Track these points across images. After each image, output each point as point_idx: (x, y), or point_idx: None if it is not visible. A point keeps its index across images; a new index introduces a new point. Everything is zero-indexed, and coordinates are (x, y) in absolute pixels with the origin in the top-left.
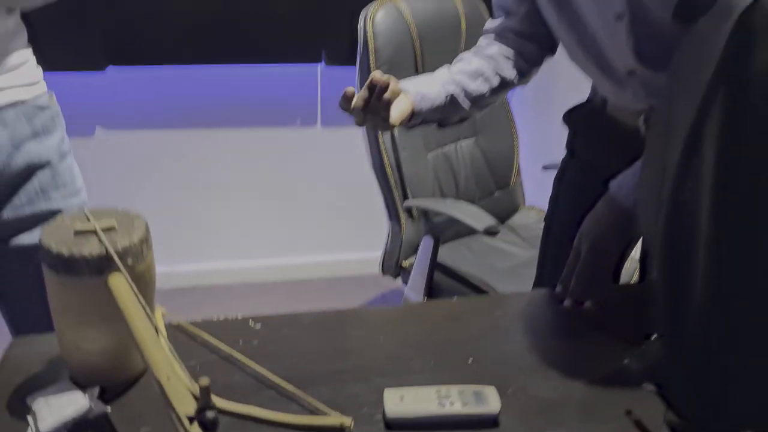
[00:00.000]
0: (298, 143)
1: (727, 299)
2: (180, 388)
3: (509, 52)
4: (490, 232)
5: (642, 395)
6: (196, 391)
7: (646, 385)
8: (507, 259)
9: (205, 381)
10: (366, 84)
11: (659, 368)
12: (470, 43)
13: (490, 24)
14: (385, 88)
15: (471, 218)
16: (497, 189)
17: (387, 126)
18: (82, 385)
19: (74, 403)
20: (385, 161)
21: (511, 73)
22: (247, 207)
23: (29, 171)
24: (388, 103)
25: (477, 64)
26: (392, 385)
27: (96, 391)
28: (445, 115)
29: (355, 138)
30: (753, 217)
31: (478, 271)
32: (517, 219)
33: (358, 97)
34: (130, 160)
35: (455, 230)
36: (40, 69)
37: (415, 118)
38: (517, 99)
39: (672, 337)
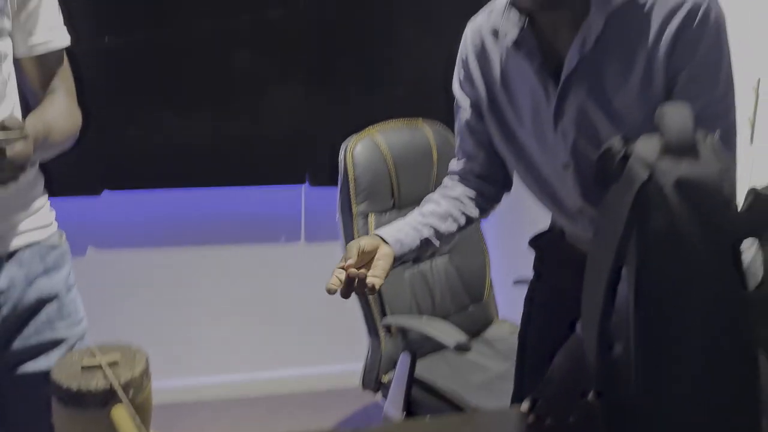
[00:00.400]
0: (282, 259)
1: (657, 407)
2: None
3: (472, 192)
4: (461, 349)
5: None
6: None
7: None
8: (482, 373)
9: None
10: (345, 279)
11: None
12: (442, 170)
13: (454, 165)
14: (363, 278)
15: (443, 335)
16: (471, 303)
17: (373, 292)
18: None
19: None
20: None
21: (474, 211)
22: (232, 322)
23: (39, 304)
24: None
25: (446, 206)
26: None
27: None
28: (419, 255)
29: (337, 253)
30: (666, 339)
31: (454, 386)
32: (491, 332)
33: (341, 288)
34: (118, 278)
35: (433, 344)
36: (53, 212)
37: (395, 263)
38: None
39: None
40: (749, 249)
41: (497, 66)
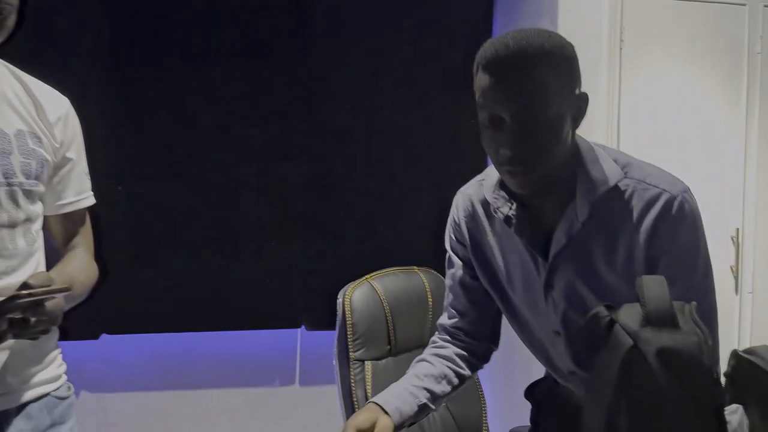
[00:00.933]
0: (276, 402)
1: None
2: None
3: (462, 352)
4: None
5: None
6: None
7: None
8: None
9: None
10: None
11: None
12: (437, 315)
13: (444, 321)
14: None
15: None
16: None
17: None
18: None
19: None
20: None
21: (466, 371)
22: None
23: None
24: None
25: (439, 366)
26: None
27: None
28: (417, 420)
29: (331, 397)
30: None
31: None
32: None
33: None
34: (111, 422)
35: None
36: (64, 364)
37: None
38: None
39: None
40: (734, 413)
41: (489, 235)
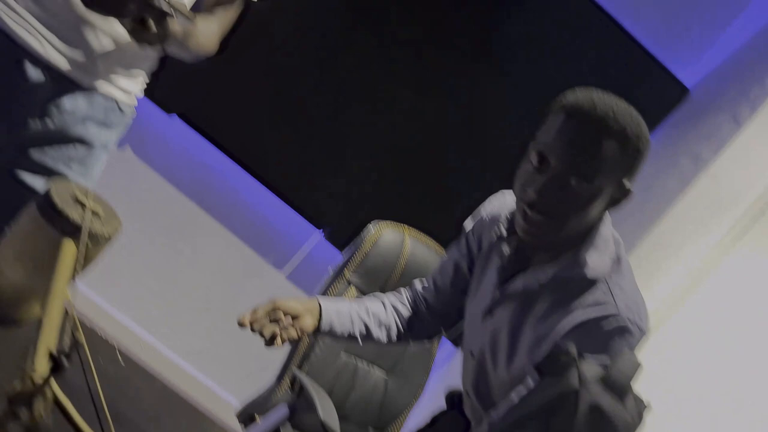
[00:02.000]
0: (257, 273)
1: None
2: (50, 337)
3: (414, 319)
4: (327, 429)
5: None
6: None
7: None
8: None
9: (82, 338)
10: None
11: None
12: None
13: (418, 285)
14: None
15: (321, 407)
16: (373, 427)
17: (271, 343)
18: None
19: None
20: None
21: (408, 335)
22: (177, 286)
23: (76, 139)
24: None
25: (390, 317)
26: None
27: None
28: (337, 339)
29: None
30: None
31: None
32: None
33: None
34: (123, 185)
35: (316, 429)
36: (141, 94)
37: (314, 335)
38: (439, 371)
39: None
40: None
41: (489, 243)
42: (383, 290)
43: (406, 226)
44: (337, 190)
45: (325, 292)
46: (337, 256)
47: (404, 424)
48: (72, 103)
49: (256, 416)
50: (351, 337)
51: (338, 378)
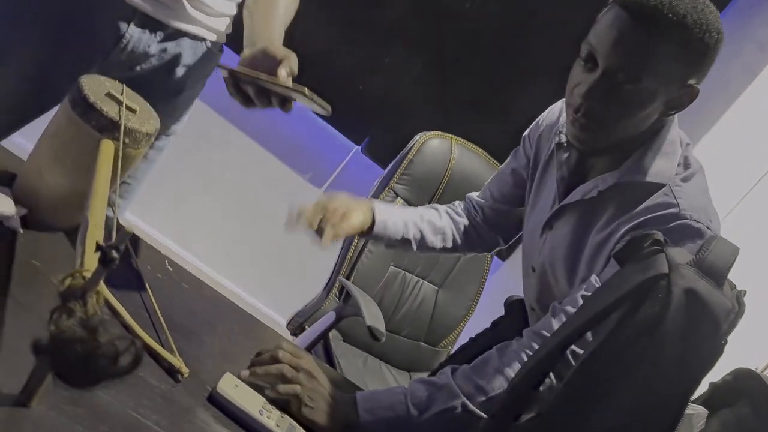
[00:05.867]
0: (294, 190)
1: None
2: (97, 234)
3: (472, 230)
4: (373, 333)
5: None
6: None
7: None
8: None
9: (130, 231)
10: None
11: None
12: None
13: (473, 195)
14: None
15: (368, 312)
16: (425, 341)
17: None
18: (16, 201)
19: (3, 204)
20: (353, 244)
21: (463, 245)
22: (216, 210)
23: (166, 83)
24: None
25: (445, 223)
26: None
27: (23, 211)
28: (391, 246)
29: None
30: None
31: (351, 375)
32: (421, 376)
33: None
34: None
35: (366, 342)
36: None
37: (367, 236)
38: (493, 280)
39: None
40: (700, 421)
41: (548, 150)
42: (431, 201)
43: (453, 136)
44: (376, 104)
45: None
46: (378, 171)
47: (457, 340)
48: (159, 47)
49: (305, 326)
50: (404, 241)
51: (386, 290)
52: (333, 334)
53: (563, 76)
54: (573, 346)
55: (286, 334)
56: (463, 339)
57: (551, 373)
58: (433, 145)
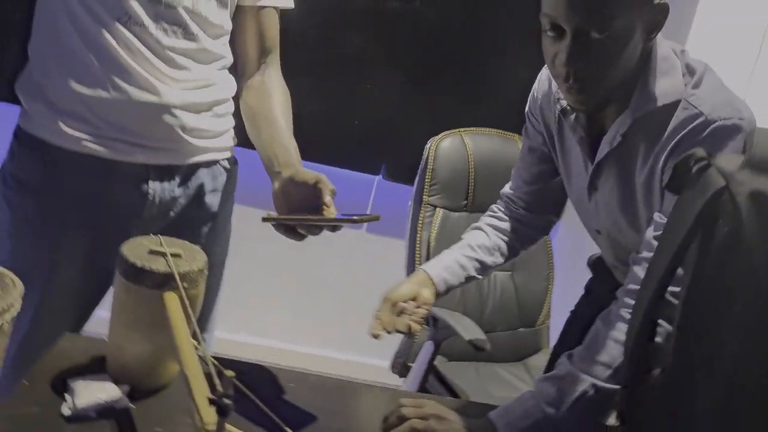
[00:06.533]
0: (340, 244)
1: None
2: (202, 385)
3: (518, 225)
4: (476, 345)
5: None
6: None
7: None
8: (508, 392)
9: (230, 373)
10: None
11: None
12: None
13: (506, 190)
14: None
15: (463, 329)
16: (522, 326)
17: (412, 335)
18: (116, 381)
19: (107, 391)
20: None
21: (520, 244)
22: (276, 291)
23: (201, 216)
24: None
25: (494, 239)
26: None
27: (127, 388)
28: (461, 287)
29: (395, 248)
30: (707, 338)
31: (472, 391)
32: (536, 359)
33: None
34: None
35: (470, 352)
36: (235, 140)
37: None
38: (561, 243)
39: None
40: None
41: (555, 119)
42: (468, 198)
43: (459, 129)
44: (376, 129)
45: (414, 227)
46: (407, 190)
47: (550, 312)
48: (182, 188)
49: (408, 363)
50: (469, 279)
51: (465, 297)
52: (438, 360)
53: (526, 35)
54: (669, 288)
55: (394, 377)
56: (556, 307)
57: (660, 321)
58: (446, 146)
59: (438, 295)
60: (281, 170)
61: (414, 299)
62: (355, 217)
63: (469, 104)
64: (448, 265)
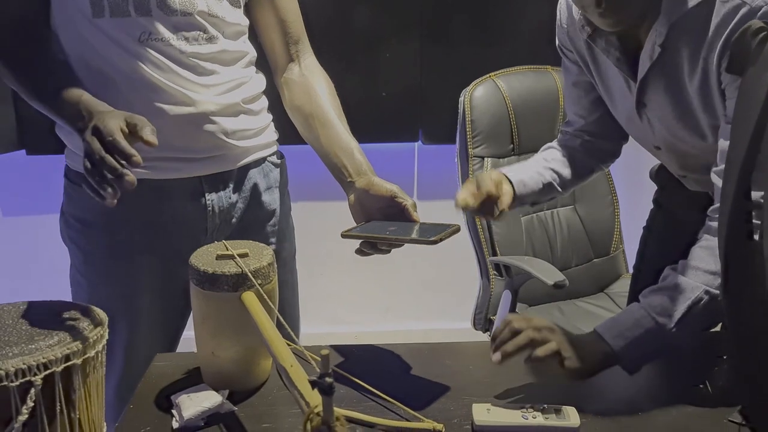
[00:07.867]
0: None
1: None
2: (300, 372)
3: (590, 148)
4: (558, 285)
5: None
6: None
7: (732, 416)
8: (596, 323)
9: (325, 351)
10: (479, 195)
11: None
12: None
13: (566, 127)
14: (496, 198)
15: (541, 273)
16: (596, 257)
17: (494, 217)
18: (215, 389)
19: (210, 399)
20: (477, 222)
21: (594, 163)
22: (341, 277)
23: (260, 216)
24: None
25: (567, 153)
26: (480, 402)
27: (226, 392)
28: (539, 199)
29: (449, 211)
30: None
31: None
32: (617, 287)
33: (471, 203)
34: None
35: (548, 293)
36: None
37: (515, 203)
38: (618, 165)
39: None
40: None
41: (584, 45)
42: (514, 141)
43: (490, 74)
44: (406, 97)
45: (464, 181)
46: (449, 149)
47: (622, 236)
48: (237, 192)
49: (489, 317)
50: (546, 187)
51: (533, 239)
52: (518, 308)
53: None
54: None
55: (477, 334)
56: (626, 228)
57: (753, 215)
58: (480, 94)
59: (515, 198)
60: (354, 180)
61: (497, 187)
62: (433, 239)
63: (492, 47)
64: (524, 169)
